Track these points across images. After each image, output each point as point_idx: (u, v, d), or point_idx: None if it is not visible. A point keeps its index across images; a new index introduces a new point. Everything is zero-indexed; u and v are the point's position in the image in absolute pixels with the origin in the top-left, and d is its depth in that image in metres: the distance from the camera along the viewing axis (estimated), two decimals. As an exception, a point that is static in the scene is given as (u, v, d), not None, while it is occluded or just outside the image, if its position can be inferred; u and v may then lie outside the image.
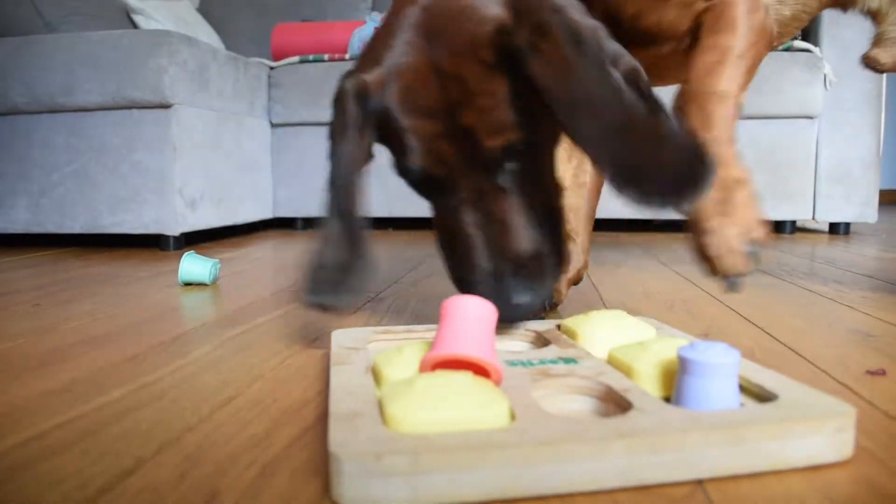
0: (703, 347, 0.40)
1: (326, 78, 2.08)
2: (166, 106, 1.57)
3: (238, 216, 1.89)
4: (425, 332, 0.59)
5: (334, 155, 0.59)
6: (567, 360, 0.48)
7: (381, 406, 0.38)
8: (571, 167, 0.82)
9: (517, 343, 0.59)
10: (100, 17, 1.88)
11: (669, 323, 0.74)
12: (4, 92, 1.62)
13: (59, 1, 1.78)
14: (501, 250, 0.57)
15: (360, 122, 0.58)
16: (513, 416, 0.37)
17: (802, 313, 0.79)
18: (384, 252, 1.51)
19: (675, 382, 0.41)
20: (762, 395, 0.41)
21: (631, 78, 0.54)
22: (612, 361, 0.48)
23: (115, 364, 0.60)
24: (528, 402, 0.39)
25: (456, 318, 0.44)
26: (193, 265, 1.04)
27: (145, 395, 0.51)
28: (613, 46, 0.54)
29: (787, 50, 1.87)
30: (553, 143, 0.62)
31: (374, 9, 2.61)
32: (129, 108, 1.59)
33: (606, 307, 0.84)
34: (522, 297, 0.57)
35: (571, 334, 0.55)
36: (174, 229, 1.59)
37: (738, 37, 0.61)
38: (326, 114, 2.07)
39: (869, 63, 0.80)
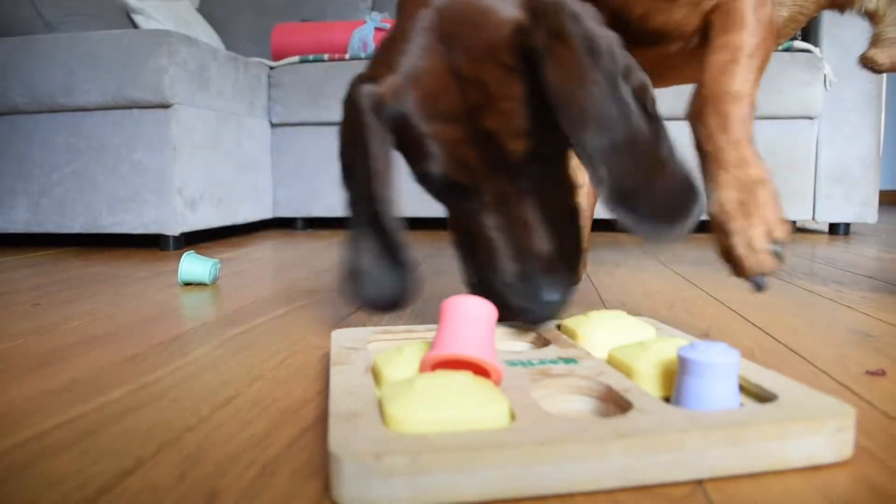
0: (703, 347, 0.40)
1: (326, 78, 2.08)
2: (166, 106, 1.57)
3: (238, 216, 1.89)
4: (425, 332, 0.59)
5: (360, 172, 0.58)
6: (567, 360, 0.48)
7: (381, 406, 0.38)
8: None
9: (517, 343, 0.59)
10: (100, 17, 1.88)
11: (669, 323, 0.74)
12: (4, 92, 1.62)
13: (58, 1, 1.78)
14: (526, 251, 0.57)
15: (381, 135, 0.57)
16: (513, 416, 0.37)
17: (802, 313, 0.79)
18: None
19: (674, 382, 0.41)
20: (762, 396, 0.41)
21: (639, 94, 0.55)
22: (612, 361, 0.48)
23: (115, 364, 0.60)
24: (528, 402, 0.39)
25: (456, 318, 0.44)
26: (193, 265, 1.04)
27: (145, 395, 0.51)
28: (627, 60, 0.55)
29: (787, 50, 1.87)
30: (568, 142, 0.62)
31: (374, 9, 2.61)
32: (129, 107, 1.59)
33: (606, 307, 0.84)
34: (552, 296, 0.57)
35: (571, 334, 0.55)
36: (174, 229, 1.59)
37: (748, 34, 0.62)
38: (326, 114, 2.08)
39: (866, 64, 0.81)
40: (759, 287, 0.59)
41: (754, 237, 0.58)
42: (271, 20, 2.52)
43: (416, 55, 0.56)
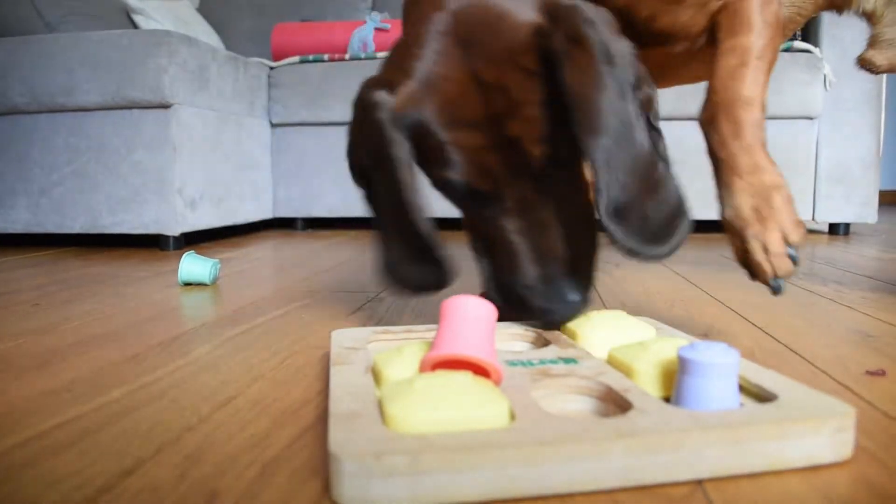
0: (703, 347, 0.40)
1: (326, 78, 2.08)
2: (166, 106, 1.57)
3: (238, 216, 1.89)
4: (425, 332, 0.59)
5: (388, 184, 0.57)
6: (567, 360, 0.48)
7: (381, 406, 0.38)
8: None
9: (517, 343, 0.59)
10: (100, 17, 1.88)
11: (669, 323, 0.74)
12: (4, 92, 1.62)
13: (58, 1, 1.78)
14: (547, 253, 0.57)
15: (403, 146, 0.55)
16: (513, 416, 0.37)
17: (802, 313, 0.79)
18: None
19: (674, 382, 0.41)
20: (762, 396, 0.41)
21: (645, 107, 0.55)
22: (612, 361, 0.48)
23: (115, 364, 0.60)
24: (528, 402, 0.39)
25: (456, 318, 0.44)
26: (193, 265, 1.04)
27: (145, 395, 0.51)
28: (638, 70, 0.55)
29: (787, 50, 1.87)
30: None
31: (374, 9, 2.61)
32: (129, 108, 1.59)
33: (606, 307, 0.84)
34: (574, 296, 0.57)
35: (571, 334, 0.55)
36: (174, 229, 1.59)
37: (755, 36, 0.62)
38: (326, 114, 2.08)
39: (864, 65, 0.81)
40: (776, 290, 0.60)
41: (770, 242, 0.59)
42: (271, 20, 2.52)
43: (432, 60, 0.55)
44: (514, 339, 0.59)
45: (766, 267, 0.59)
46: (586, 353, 0.50)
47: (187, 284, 1.05)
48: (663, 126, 0.62)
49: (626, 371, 0.45)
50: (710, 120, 0.62)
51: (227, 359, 0.62)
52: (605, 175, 0.51)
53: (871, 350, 0.62)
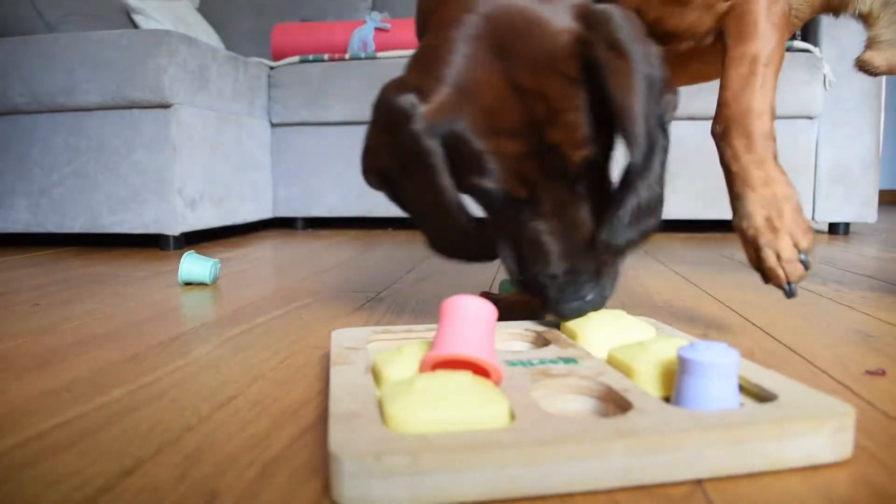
0: (703, 347, 0.40)
1: (326, 78, 2.08)
2: (166, 106, 1.57)
3: (238, 216, 1.89)
4: (425, 332, 0.59)
5: (430, 193, 0.56)
6: (567, 360, 0.48)
7: (381, 406, 0.38)
8: None
9: (517, 343, 0.59)
10: (100, 17, 1.88)
11: (669, 323, 0.74)
12: (4, 92, 1.62)
13: (58, 1, 1.78)
14: (578, 251, 0.57)
15: (439, 153, 0.54)
16: (513, 416, 0.37)
17: (802, 313, 0.79)
18: (384, 252, 1.51)
19: (674, 382, 0.41)
20: (762, 395, 0.41)
21: (669, 109, 0.56)
22: (612, 361, 0.48)
23: (115, 364, 0.60)
24: (528, 402, 0.39)
25: (456, 318, 0.44)
26: (193, 265, 1.04)
27: (145, 395, 0.51)
28: (666, 73, 0.55)
29: (786, 51, 1.87)
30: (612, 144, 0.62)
31: (374, 9, 2.61)
32: (129, 107, 1.59)
33: (606, 307, 0.84)
34: (609, 290, 0.59)
35: (571, 334, 0.55)
36: (174, 229, 1.59)
37: (762, 41, 0.64)
38: (326, 114, 2.08)
39: (863, 66, 0.81)
40: (789, 294, 0.63)
41: (782, 249, 0.62)
42: (271, 20, 2.52)
43: (466, 66, 0.53)
44: (514, 339, 0.60)
45: (779, 272, 0.62)
46: (586, 353, 0.50)
47: (187, 284, 1.05)
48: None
49: (626, 371, 0.45)
50: (724, 134, 0.64)
51: (227, 359, 0.62)
52: (640, 179, 0.52)
53: (871, 350, 0.62)
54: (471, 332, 0.43)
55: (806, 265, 0.62)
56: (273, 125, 2.13)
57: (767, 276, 0.63)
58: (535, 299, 0.72)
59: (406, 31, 2.20)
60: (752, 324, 0.74)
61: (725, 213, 1.74)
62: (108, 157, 1.61)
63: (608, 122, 0.55)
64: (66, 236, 1.83)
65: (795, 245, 0.62)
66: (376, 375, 0.46)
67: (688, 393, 0.39)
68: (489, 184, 0.55)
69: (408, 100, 0.53)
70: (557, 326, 0.59)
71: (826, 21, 1.88)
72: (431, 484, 0.32)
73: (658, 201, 0.56)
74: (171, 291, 1.00)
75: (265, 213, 2.08)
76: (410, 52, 2.07)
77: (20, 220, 1.66)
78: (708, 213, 1.90)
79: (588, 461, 0.34)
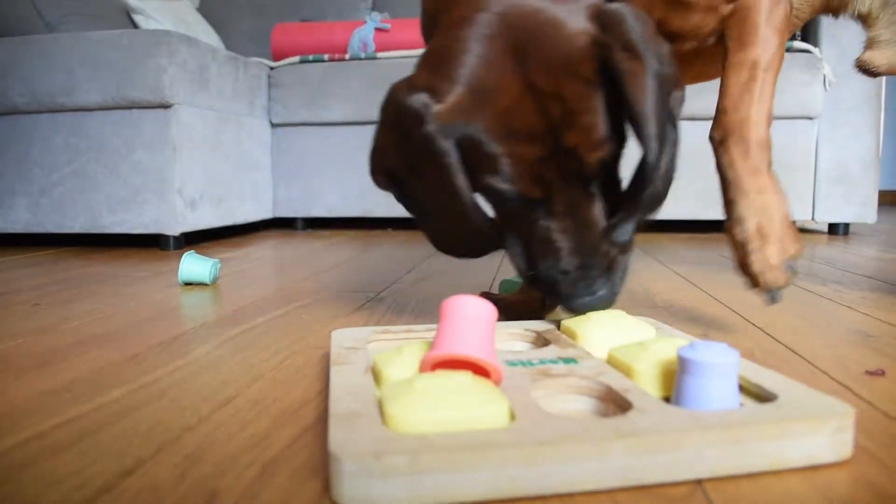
0: (703, 347, 0.40)
1: (326, 78, 2.08)
2: (166, 106, 1.57)
3: (238, 216, 1.89)
4: (425, 331, 0.59)
5: (444, 193, 0.56)
6: (567, 360, 0.48)
7: (381, 406, 0.38)
8: None
9: (517, 343, 0.59)
10: (100, 17, 1.88)
11: (669, 323, 0.74)
12: (4, 92, 1.62)
13: (58, 1, 1.78)
14: (589, 248, 0.57)
15: (454, 153, 0.54)
16: (513, 416, 0.37)
17: (802, 313, 0.79)
18: (384, 252, 1.51)
19: (674, 382, 0.41)
20: (762, 395, 0.41)
21: (677, 107, 0.57)
22: (612, 361, 0.48)
23: (115, 364, 0.60)
24: (528, 402, 0.39)
25: (456, 318, 0.44)
26: (193, 265, 1.04)
27: (145, 395, 0.51)
28: (676, 72, 0.56)
29: (786, 51, 1.87)
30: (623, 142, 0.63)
31: (374, 9, 2.61)
32: (129, 108, 1.59)
33: (606, 307, 0.84)
34: (619, 286, 0.59)
35: (571, 334, 0.55)
36: (174, 229, 1.59)
37: (763, 46, 0.64)
38: (326, 114, 2.08)
39: (863, 67, 0.81)
40: (773, 299, 0.64)
41: (770, 255, 0.63)
42: (271, 20, 2.52)
43: (480, 66, 0.53)
44: (514, 339, 0.60)
45: (764, 278, 0.64)
46: (586, 353, 0.50)
47: (187, 284, 1.05)
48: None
49: (626, 371, 0.45)
50: (722, 141, 0.65)
51: (227, 359, 0.62)
52: (654, 178, 0.54)
53: (870, 350, 0.62)
54: (471, 332, 0.43)
55: (791, 273, 0.64)
56: (273, 125, 2.13)
57: (753, 280, 0.65)
58: (536, 299, 0.73)
59: (406, 31, 2.20)
60: (752, 324, 0.74)
61: (725, 214, 1.73)
62: (108, 157, 1.61)
63: (620, 120, 0.55)
64: (66, 236, 1.83)
65: (784, 252, 0.63)
66: (376, 375, 0.46)
67: (688, 393, 0.39)
68: (503, 185, 0.55)
69: (420, 99, 0.53)
70: (557, 326, 0.59)
71: (826, 21, 1.88)
72: (431, 484, 0.32)
73: (664, 195, 0.57)
74: (171, 291, 1.00)
75: (265, 214, 2.09)
76: (411, 52, 2.08)
77: (20, 220, 1.66)
78: (708, 213, 1.90)
79: (588, 461, 0.34)
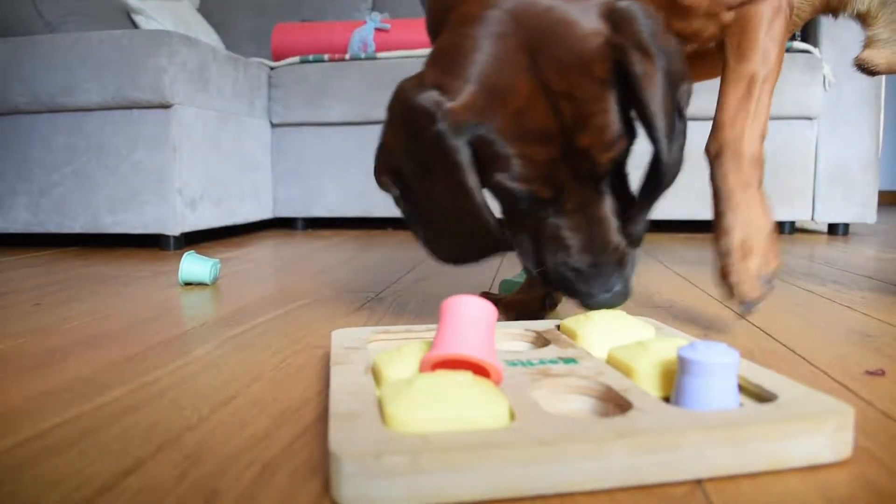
0: (703, 347, 0.40)
1: (326, 78, 2.08)
2: (166, 106, 1.57)
3: (238, 216, 1.89)
4: (425, 332, 0.59)
5: (456, 193, 0.56)
6: (567, 360, 0.48)
7: (381, 406, 0.38)
8: None
9: (517, 343, 0.59)
10: (100, 17, 1.88)
11: (669, 323, 0.74)
12: (5, 92, 1.62)
13: (58, 1, 1.78)
14: (600, 245, 0.58)
15: (466, 152, 0.53)
16: (513, 416, 0.37)
17: (801, 313, 0.79)
18: (384, 252, 1.51)
19: (674, 382, 0.41)
20: (761, 396, 0.41)
21: (682, 98, 0.57)
22: (612, 361, 0.48)
23: (115, 364, 0.60)
24: (527, 402, 0.39)
25: (455, 318, 0.44)
26: (194, 265, 1.04)
27: (145, 394, 0.51)
28: (684, 67, 0.57)
29: (786, 51, 1.87)
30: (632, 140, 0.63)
31: (374, 9, 2.61)
32: (129, 108, 1.59)
33: (606, 307, 0.84)
34: (632, 280, 0.60)
35: (571, 334, 0.55)
36: (174, 229, 1.59)
37: (762, 59, 0.66)
38: (326, 114, 2.08)
39: (862, 65, 0.81)
40: (747, 310, 0.67)
41: (750, 268, 0.66)
42: (271, 20, 2.52)
43: (492, 65, 0.52)
44: (514, 339, 0.60)
45: (740, 289, 0.66)
46: (586, 353, 0.50)
47: (187, 284, 1.05)
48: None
49: (626, 371, 0.45)
50: (717, 154, 0.67)
51: (227, 359, 0.62)
52: (666, 175, 0.55)
53: (870, 350, 0.62)
54: (471, 333, 0.43)
55: (768, 288, 0.66)
56: (273, 125, 2.13)
57: (729, 290, 0.67)
58: (535, 299, 0.73)
59: (406, 31, 2.20)
60: (752, 324, 0.74)
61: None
62: (108, 157, 1.61)
63: (629, 117, 0.56)
64: (67, 236, 1.83)
65: (763, 267, 0.66)
66: (376, 375, 0.46)
67: (688, 393, 0.39)
68: (514, 184, 0.55)
69: (431, 97, 0.52)
70: (557, 326, 0.60)
71: (826, 21, 1.88)
72: (431, 484, 0.32)
73: (672, 183, 0.59)
74: (171, 291, 1.00)
75: (265, 213, 2.09)
76: (411, 52, 2.08)
77: (20, 220, 1.66)
78: (708, 213, 1.90)
79: (588, 461, 0.34)
